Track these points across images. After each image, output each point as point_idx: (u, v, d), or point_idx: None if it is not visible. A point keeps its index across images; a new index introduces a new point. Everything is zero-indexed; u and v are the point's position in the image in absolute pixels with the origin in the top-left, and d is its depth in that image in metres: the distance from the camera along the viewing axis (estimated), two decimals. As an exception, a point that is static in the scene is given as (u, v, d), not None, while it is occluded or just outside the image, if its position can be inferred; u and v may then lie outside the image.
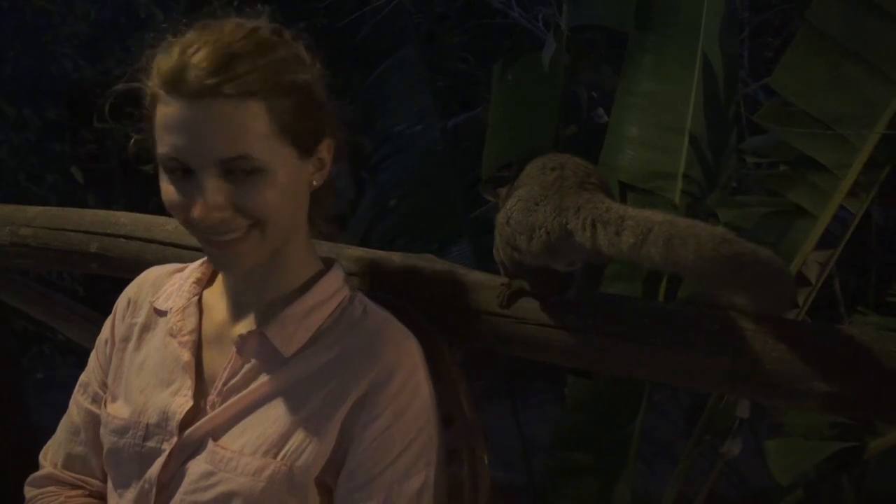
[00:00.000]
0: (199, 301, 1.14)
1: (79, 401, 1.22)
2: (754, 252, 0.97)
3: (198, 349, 1.11)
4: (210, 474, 1.04)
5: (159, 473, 1.07)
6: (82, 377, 1.24)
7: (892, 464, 2.08)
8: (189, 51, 0.96)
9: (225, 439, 1.05)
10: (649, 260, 0.99)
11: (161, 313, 1.16)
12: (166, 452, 1.07)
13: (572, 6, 2.30)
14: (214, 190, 0.97)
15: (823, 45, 1.77)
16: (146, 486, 1.07)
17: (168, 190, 1.00)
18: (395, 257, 1.32)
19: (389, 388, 1.03)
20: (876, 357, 1.02)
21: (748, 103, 2.57)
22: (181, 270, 1.21)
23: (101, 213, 1.61)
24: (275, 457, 1.02)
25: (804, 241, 1.83)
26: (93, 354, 1.23)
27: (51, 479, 1.22)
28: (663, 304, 1.45)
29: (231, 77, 0.94)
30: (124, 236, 1.52)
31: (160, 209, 1.57)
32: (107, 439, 1.13)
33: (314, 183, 1.07)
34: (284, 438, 1.03)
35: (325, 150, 1.06)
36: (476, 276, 1.26)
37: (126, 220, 1.55)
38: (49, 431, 1.26)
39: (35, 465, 1.25)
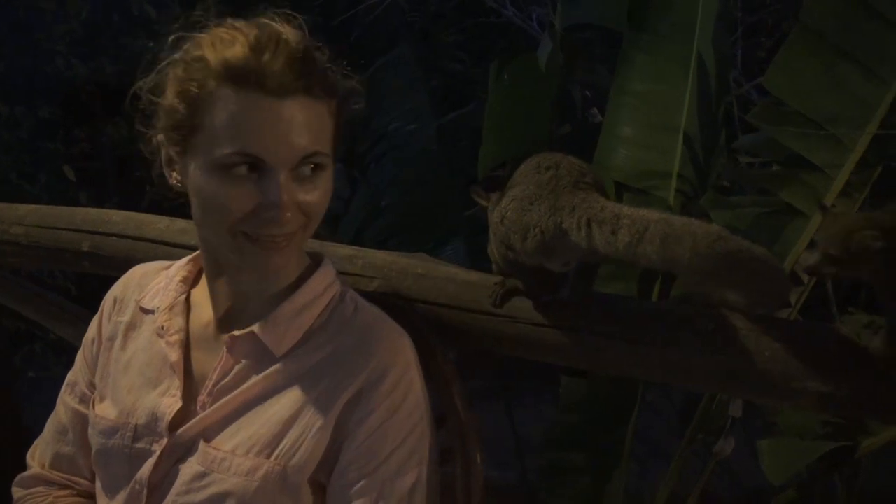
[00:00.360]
0: (187, 300, 1.13)
1: (66, 400, 1.21)
2: (749, 249, 0.98)
3: (185, 349, 1.10)
4: (203, 475, 1.03)
5: (150, 475, 1.06)
6: (69, 376, 1.23)
7: (884, 463, 2.09)
8: (262, 48, 0.96)
9: (217, 440, 1.05)
10: (645, 258, 1.00)
11: (147, 312, 1.15)
12: (157, 454, 1.06)
13: (566, 6, 2.30)
14: (292, 188, 0.97)
15: (816, 46, 1.78)
16: (137, 487, 1.07)
17: (223, 191, 0.97)
18: (387, 256, 1.32)
19: (382, 385, 1.02)
20: (868, 356, 1.02)
21: (741, 103, 2.58)
22: (168, 268, 1.19)
23: (93, 212, 1.60)
24: (268, 457, 1.02)
25: (797, 240, 1.84)
26: (80, 353, 1.22)
27: (39, 480, 1.21)
28: (657, 304, 1.46)
29: (313, 76, 0.97)
30: (116, 234, 1.52)
31: (152, 207, 1.57)
32: (95, 440, 1.13)
33: None
34: (278, 438, 1.02)
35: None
36: (469, 275, 1.26)
37: (118, 218, 1.55)
38: (41, 431, 1.25)
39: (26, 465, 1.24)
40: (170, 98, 1.00)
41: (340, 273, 1.17)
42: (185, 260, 1.18)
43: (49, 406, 1.24)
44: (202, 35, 1.01)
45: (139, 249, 1.48)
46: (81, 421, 1.18)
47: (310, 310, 1.08)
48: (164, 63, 1.03)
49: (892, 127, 1.79)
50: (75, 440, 1.19)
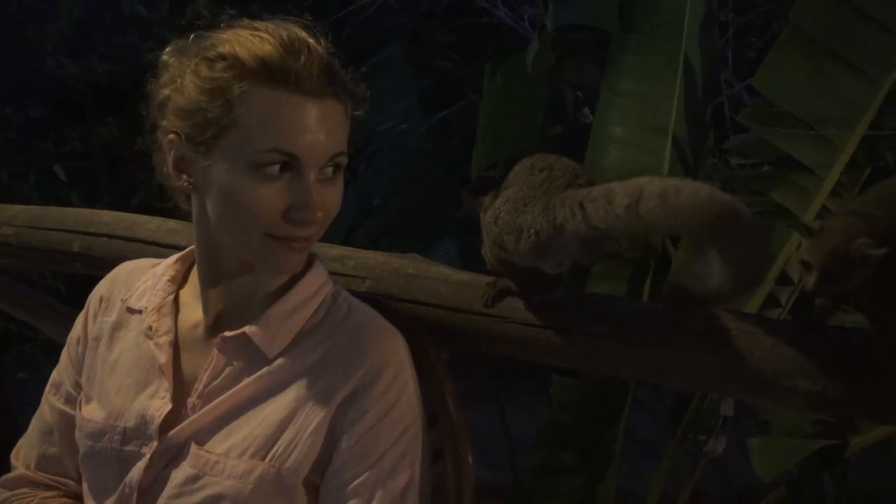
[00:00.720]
0: (175, 300, 1.12)
1: (51, 401, 1.19)
2: (745, 209, 0.99)
3: (175, 350, 1.09)
4: (195, 478, 1.02)
5: (140, 478, 1.05)
6: (54, 376, 1.21)
7: (873, 461, 2.10)
8: (298, 50, 0.96)
9: (209, 443, 1.04)
10: (650, 216, 1.00)
11: (134, 312, 1.14)
12: (147, 457, 1.05)
13: (557, 6, 2.30)
14: (317, 187, 0.99)
15: (806, 47, 1.79)
16: (126, 490, 1.06)
17: (255, 190, 0.97)
18: (379, 256, 1.32)
19: (377, 386, 1.02)
20: (857, 355, 1.03)
21: (732, 104, 2.58)
22: (155, 266, 1.18)
23: (84, 212, 1.60)
24: (263, 458, 1.01)
25: (787, 240, 1.85)
26: (64, 352, 1.21)
27: (24, 481, 1.20)
28: (649, 304, 1.46)
29: (342, 79, 1.00)
30: (107, 235, 1.51)
31: (143, 208, 1.57)
32: (82, 443, 1.11)
33: None
34: (272, 440, 1.02)
35: None
36: (461, 276, 1.26)
37: (109, 218, 1.54)
38: (33, 432, 1.24)
39: (16, 467, 1.23)
40: (193, 96, 0.98)
41: (332, 273, 1.16)
42: (172, 259, 1.17)
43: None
44: (222, 33, 1.00)
45: (130, 250, 1.48)
46: (67, 421, 1.16)
47: (302, 310, 1.07)
48: (176, 60, 1.02)
49: (881, 128, 1.80)
50: (61, 441, 1.18)
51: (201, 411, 1.05)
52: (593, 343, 1.15)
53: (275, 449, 1.02)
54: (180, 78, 1.00)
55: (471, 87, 3.51)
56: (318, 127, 0.97)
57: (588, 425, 2.09)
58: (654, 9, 2.11)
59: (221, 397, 1.05)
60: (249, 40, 0.97)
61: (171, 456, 1.05)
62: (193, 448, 1.04)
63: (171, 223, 1.48)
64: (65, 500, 1.19)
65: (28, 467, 1.20)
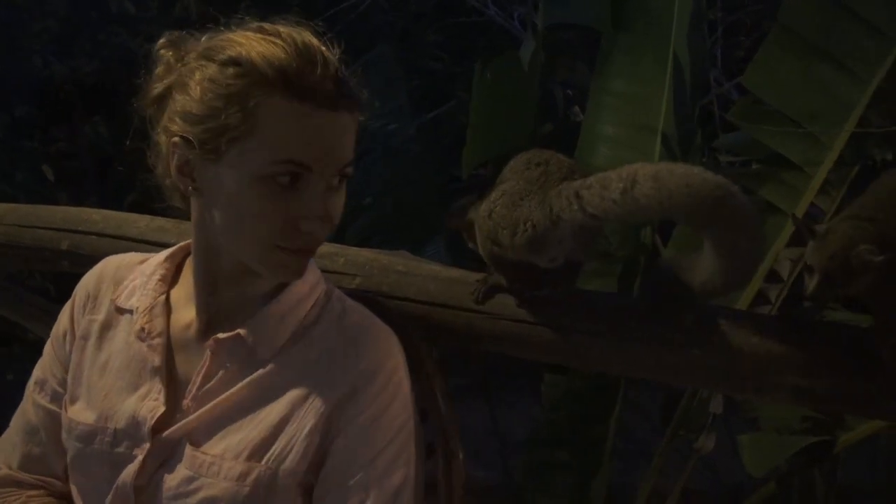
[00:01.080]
0: (167, 300, 1.10)
1: (36, 399, 1.15)
2: (738, 190, 0.99)
3: (167, 352, 1.08)
4: (190, 480, 1.01)
5: (134, 479, 1.04)
6: (38, 374, 1.17)
7: (862, 458, 2.11)
8: (313, 60, 0.95)
9: (205, 445, 1.02)
10: (645, 199, 1.00)
11: (124, 311, 1.12)
12: (139, 458, 1.04)
13: (548, 5, 2.31)
14: (328, 197, 0.99)
15: (794, 45, 1.80)
16: (121, 492, 1.04)
17: (264, 200, 0.96)
18: (368, 253, 1.31)
19: (372, 387, 1.02)
20: (847, 351, 1.03)
21: (722, 102, 2.60)
22: (143, 262, 1.16)
23: (73, 210, 1.59)
24: (259, 460, 1.00)
25: (776, 237, 1.86)
26: (48, 348, 1.17)
27: (9, 480, 1.16)
28: (640, 300, 1.46)
29: (352, 89, 1.00)
30: (96, 233, 1.50)
31: (133, 207, 1.56)
32: (71, 445, 1.09)
33: None
34: (269, 441, 1.01)
35: None
36: (451, 273, 1.26)
37: (97, 217, 1.53)
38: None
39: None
40: (205, 101, 0.96)
41: (322, 271, 1.16)
42: (161, 257, 1.15)
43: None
44: (231, 35, 0.99)
45: (119, 248, 1.46)
46: (54, 420, 1.13)
47: (296, 311, 1.06)
48: (174, 55, 1.01)
49: (868, 125, 1.81)
50: (48, 440, 1.15)
51: (195, 414, 1.04)
52: (584, 340, 1.15)
53: (272, 451, 1.01)
54: (187, 78, 0.98)
55: (461, 86, 3.51)
56: (332, 138, 0.97)
57: (579, 423, 2.09)
58: (643, 8, 2.12)
59: (216, 400, 1.04)
60: (262, 45, 0.96)
61: (164, 457, 1.04)
62: (188, 450, 1.03)
63: (161, 221, 1.47)
64: (50, 499, 1.15)
65: (10, 467, 1.17)
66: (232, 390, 1.04)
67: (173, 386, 1.07)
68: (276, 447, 1.01)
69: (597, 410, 2.05)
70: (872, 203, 1.05)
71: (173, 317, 1.10)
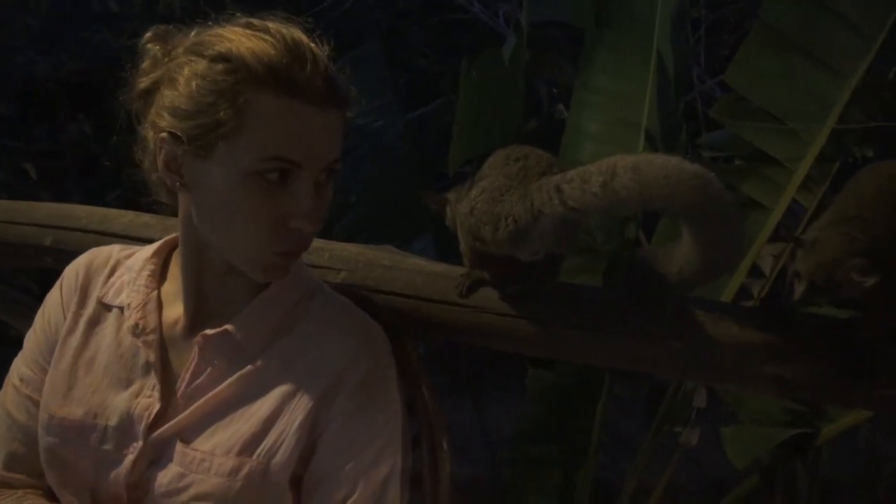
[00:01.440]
0: (158, 297, 1.10)
1: (24, 394, 1.13)
2: (716, 180, 1.00)
3: (161, 348, 1.07)
4: (181, 476, 1.01)
5: (126, 477, 1.03)
6: (23, 369, 1.14)
7: (843, 450, 2.13)
8: (303, 57, 0.95)
9: (195, 441, 1.02)
10: (625, 191, 1.01)
11: (110, 308, 1.11)
12: (132, 456, 1.04)
13: (532, 3, 2.31)
14: (316, 194, 0.99)
15: (776, 42, 1.82)
16: (112, 489, 1.04)
17: (253, 197, 0.96)
18: (354, 248, 1.32)
19: (358, 378, 1.02)
20: (826, 342, 1.05)
21: (705, 99, 2.61)
22: (129, 256, 1.15)
23: (56, 206, 1.58)
24: (251, 455, 1.01)
25: (758, 233, 1.87)
26: (32, 340, 1.15)
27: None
28: (620, 293, 1.47)
29: (341, 87, 1.00)
30: (80, 229, 1.50)
31: (117, 203, 1.55)
32: (47, 440, 1.07)
33: None
34: (259, 437, 1.01)
35: None
36: (435, 267, 1.27)
37: (81, 212, 1.53)
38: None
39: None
40: (195, 96, 0.95)
41: (308, 266, 1.16)
42: (148, 252, 1.14)
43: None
44: (220, 30, 0.98)
45: (103, 244, 1.44)
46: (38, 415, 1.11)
47: (282, 305, 1.07)
48: (161, 50, 1.00)
49: (848, 122, 1.83)
50: (32, 437, 1.11)
51: (186, 411, 1.04)
52: (566, 332, 1.16)
53: (262, 445, 1.01)
54: (176, 73, 0.97)
55: (447, 83, 3.52)
56: (321, 135, 0.98)
57: (564, 418, 2.10)
58: (627, 6, 2.13)
59: (205, 396, 1.04)
60: (252, 41, 0.95)
61: (154, 455, 1.04)
62: (179, 446, 1.02)
63: (145, 217, 1.47)
64: (44, 499, 1.12)
65: None
66: (221, 386, 1.04)
67: (165, 383, 1.06)
68: (267, 442, 1.01)
69: (582, 405, 2.07)
70: (857, 201, 1.05)
71: (164, 313, 1.09)
